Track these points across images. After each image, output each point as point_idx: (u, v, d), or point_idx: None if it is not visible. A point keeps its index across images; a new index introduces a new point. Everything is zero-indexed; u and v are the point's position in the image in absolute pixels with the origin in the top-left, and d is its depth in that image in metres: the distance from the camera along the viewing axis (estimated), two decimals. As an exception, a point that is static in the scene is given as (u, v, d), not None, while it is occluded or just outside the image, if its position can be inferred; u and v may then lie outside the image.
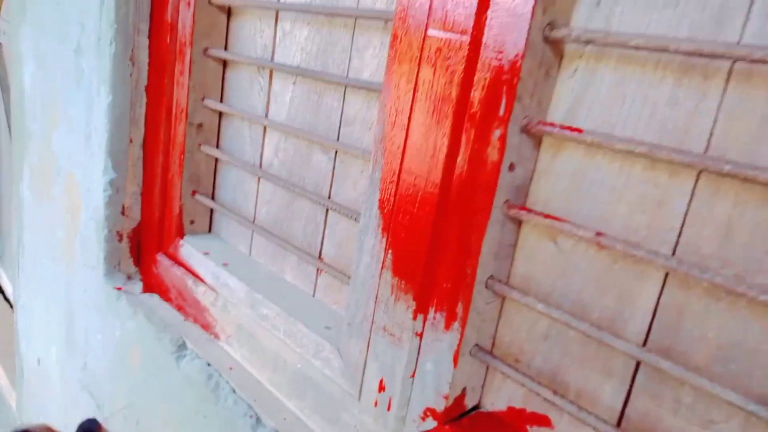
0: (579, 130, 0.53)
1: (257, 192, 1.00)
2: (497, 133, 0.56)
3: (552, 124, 0.55)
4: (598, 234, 0.52)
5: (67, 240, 1.30)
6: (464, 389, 0.65)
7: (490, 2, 0.55)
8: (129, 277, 1.15)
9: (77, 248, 1.26)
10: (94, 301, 1.20)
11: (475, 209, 0.59)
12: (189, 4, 0.99)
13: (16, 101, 1.57)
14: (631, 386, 0.55)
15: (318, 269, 0.89)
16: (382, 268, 0.68)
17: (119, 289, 1.11)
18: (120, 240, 1.13)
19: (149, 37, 1.08)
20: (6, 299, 2.88)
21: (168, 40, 1.04)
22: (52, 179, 1.35)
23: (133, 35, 1.07)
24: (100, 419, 0.78)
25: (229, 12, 1.01)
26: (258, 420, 0.80)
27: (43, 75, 1.36)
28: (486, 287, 0.61)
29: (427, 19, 0.60)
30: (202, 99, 1.02)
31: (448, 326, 0.62)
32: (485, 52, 0.56)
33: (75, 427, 0.83)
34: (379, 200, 0.67)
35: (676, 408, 0.52)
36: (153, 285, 1.12)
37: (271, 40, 0.94)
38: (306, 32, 0.88)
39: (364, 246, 0.70)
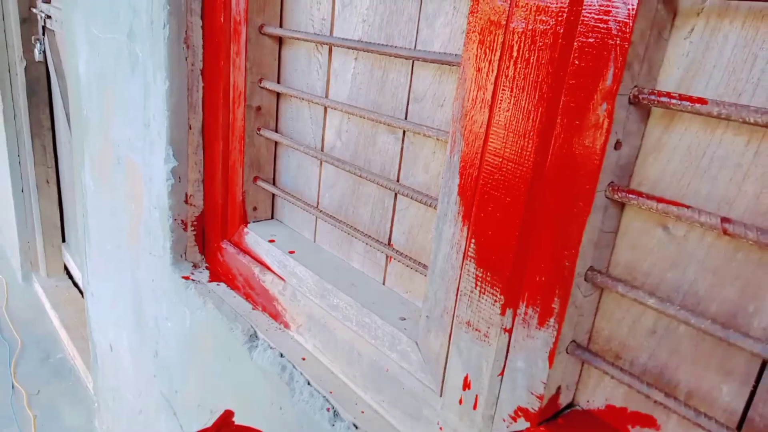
0: (703, 101, 0.46)
1: (320, 176, 0.96)
2: (603, 106, 0.49)
3: (669, 95, 0.48)
4: (725, 220, 0.46)
5: (131, 228, 1.31)
6: (559, 388, 0.60)
7: (592, -43, 0.48)
8: (195, 266, 1.15)
9: (142, 236, 1.26)
10: (162, 289, 1.21)
11: (575, 194, 0.53)
12: (241, -19, 0.94)
13: (72, 89, 1.58)
14: (755, 388, 0.49)
15: (388, 257, 0.85)
16: (464, 258, 0.63)
17: (187, 278, 1.11)
18: (185, 229, 1.13)
19: (202, 17, 1.05)
20: (75, 284, 3.00)
21: (222, 18, 1.00)
22: (112, 167, 1.36)
23: (186, 16, 1.04)
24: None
25: (282, -13, 0.96)
26: (336, 413, 0.78)
27: (98, 61, 1.35)
28: (585, 279, 0.55)
29: (514, -19, 0.53)
30: (260, 81, 0.99)
31: (542, 323, 0.57)
32: (588, 11, 0.49)
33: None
34: (459, 186, 0.62)
35: (820, 416, 0.46)
36: (220, 273, 1.11)
37: (329, 12, 0.89)
38: (368, 1, 0.82)
39: (443, 235, 0.65)
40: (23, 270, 3.08)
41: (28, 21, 2.57)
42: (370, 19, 0.82)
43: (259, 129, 1.01)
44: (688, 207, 0.48)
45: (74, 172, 1.71)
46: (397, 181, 0.82)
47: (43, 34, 2.47)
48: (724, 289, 0.50)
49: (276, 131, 1.03)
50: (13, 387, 2.32)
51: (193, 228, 1.14)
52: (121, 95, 1.23)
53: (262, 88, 0.99)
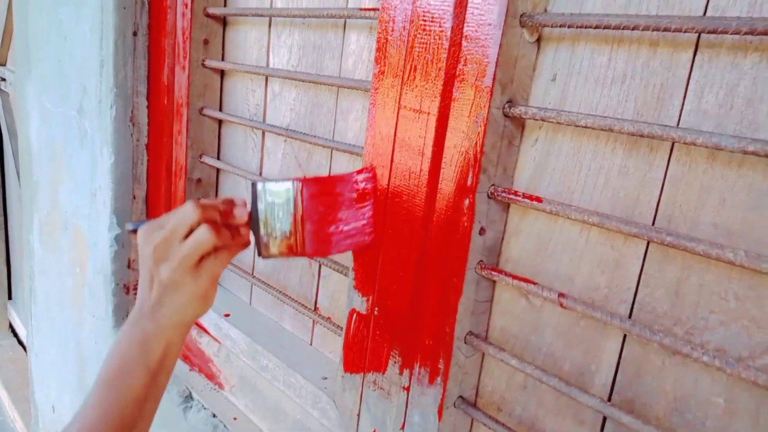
0: (539, 200, 0.57)
1: (254, 244, 1.05)
2: (466, 202, 0.60)
3: (515, 193, 0.59)
4: (561, 295, 0.56)
5: (76, 291, 1.36)
6: (451, 438, 0.69)
7: (454, 84, 0.60)
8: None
9: (86, 299, 1.31)
10: (104, 351, 1.25)
11: (450, 271, 0.63)
12: (184, 67, 1.05)
13: (24, 152, 1.63)
14: (601, 435, 0.59)
15: (314, 320, 0.94)
16: (370, 323, 0.72)
17: (127, 340, 1.16)
18: (127, 292, 1.18)
19: (147, 98, 1.14)
20: (20, 343, 2.93)
21: (165, 101, 1.10)
22: (60, 231, 1.41)
23: (132, 97, 1.13)
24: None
25: (222, 73, 1.07)
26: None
27: (48, 131, 1.42)
28: (465, 342, 0.65)
29: (399, 97, 0.65)
30: (200, 156, 1.08)
31: (432, 381, 0.66)
32: (452, 128, 0.61)
33: None
34: (362, 261, 0.72)
35: (642, 456, 0.56)
36: (159, 334, 1.16)
37: (262, 99, 0.99)
38: (294, 94, 0.93)
39: (353, 302, 0.74)
40: (-35, 329, 3.00)
41: (-19, 82, 2.61)
42: (297, 108, 0.93)
43: (199, 199, 1.09)
44: (535, 283, 0.59)
45: (23, 232, 1.74)
46: (321, 250, 0.91)
47: (-3, 95, 2.51)
48: (572, 351, 0.61)
49: (216, 201, 1.12)
50: (-53, 453, 2.23)
51: (135, 292, 1.19)
52: (70, 165, 1.30)
53: (202, 162, 1.08)
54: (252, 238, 0.63)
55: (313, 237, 0.63)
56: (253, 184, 0.63)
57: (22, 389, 2.45)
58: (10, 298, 3.00)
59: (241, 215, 0.62)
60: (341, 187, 0.65)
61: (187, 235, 0.57)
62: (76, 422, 0.57)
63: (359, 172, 0.68)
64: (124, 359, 0.59)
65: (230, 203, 0.63)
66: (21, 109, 1.61)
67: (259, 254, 0.63)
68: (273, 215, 0.62)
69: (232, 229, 0.61)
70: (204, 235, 0.56)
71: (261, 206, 0.62)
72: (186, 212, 0.58)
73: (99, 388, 0.59)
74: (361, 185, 0.67)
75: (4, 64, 2.47)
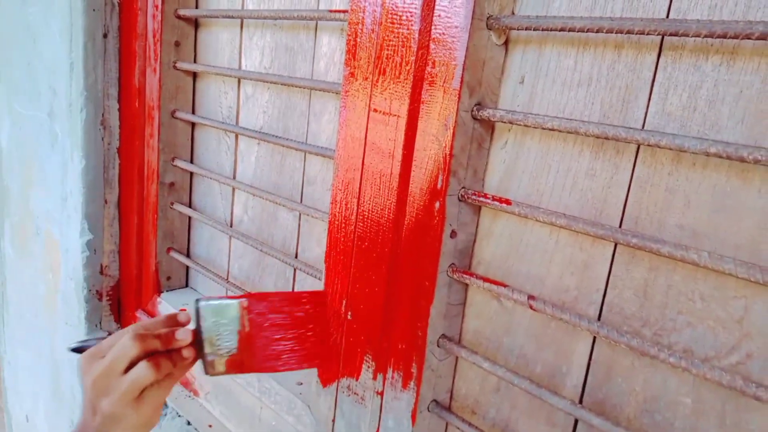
0: (508, 202, 0.57)
1: (229, 248, 1.04)
2: (437, 205, 0.60)
3: (485, 195, 0.59)
4: (531, 297, 0.56)
5: (48, 297, 1.33)
6: (425, 442, 0.68)
7: (422, 87, 0.60)
8: (110, 334, 1.18)
9: (59, 305, 1.28)
10: (77, 358, 1.22)
11: (422, 274, 0.63)
12: (155, 69, 1.03)
13: (-5, 159, 1.60)
14: (573, 437, 0.59)
15: (289, 323, 0.93)
16: (343, 328, 0.71)
17: (100, 347, 1.14)
18: (100, 299, 1.16)
19: (119, 101, 1.12)
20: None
21: (137, 103, 1.08)
22: (31, 237, 1.38)
23: (102, 100, 1.11)
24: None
25: (194, 75, 1.06)
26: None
27: (19, 134, 1.39)
28: (438, 346, 0.65)
29: (369, 99, 0.64)
30: (173, 159, 1.06)
31: (405, 385, 0.66)
32: (422, 131, 0.60)
33: None
34: (336, 265, 0.71)
35: (613, 457, 0.56)
36: (133, 341, 1.14)
37: (235, 101, 0.98)
38: (267, 96, 0.92)
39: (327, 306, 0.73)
40: (-63, 337, 2.92)
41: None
42: (270, 111, 0.92)
43: (172, 203, 1.08)
44: (505, 286, 0.59)
45: (-7, 238, 1.70)
46: (296, 253, 0.90)
47: (-33, 98, 2.45)
48: (543, 353, 0.61)
49: (190, 205, 1.10)
50: None
51: (108, 298, 1.17)
52: (41, 169, 1.27)
53: (174, 166, 1.07)
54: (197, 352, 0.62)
55: (260, 354, 0.63)
56: (197, 302, 0.63)
57: (-4, 398, 2.40)
58: (-16, 304, 2.94)
59: (184, 338, 0.61)
60: (289, 306, 0.65)
61: (127, 369, 0.57)
62: None
63: (307, 293, 0.68)
64: None
65: (172, 322, 0.63)
66: (-9, 112, 1.58)
67: (205, 372, 0.63)
68: (218, 334, 0.62)
69: (175, 352, 0.60)
70: (143, 372, 0.57)
71: (205, 325, 0.61)
72: (125, 346, 0.57)
73: None
74: (307, 307, 0.66)
75: (-26, 66, 2.42)
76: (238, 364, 0.62)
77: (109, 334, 1.10)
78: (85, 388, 0.59)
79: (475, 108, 0.58)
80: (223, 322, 0.62)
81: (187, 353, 0.61)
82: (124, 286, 1.17)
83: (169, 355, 0.60)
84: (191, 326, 0.62)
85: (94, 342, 0.62)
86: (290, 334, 0.65)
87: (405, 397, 0.66)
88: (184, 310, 0.65)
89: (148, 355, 0.58)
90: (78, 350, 0.63)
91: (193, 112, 1.06)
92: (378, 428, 0.69)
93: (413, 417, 0.65)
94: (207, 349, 0.62)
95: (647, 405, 0.53)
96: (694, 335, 0.50)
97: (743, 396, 0.47)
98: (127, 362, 0.57)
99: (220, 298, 0.63)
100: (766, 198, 0.45)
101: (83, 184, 1.11)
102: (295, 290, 0.92)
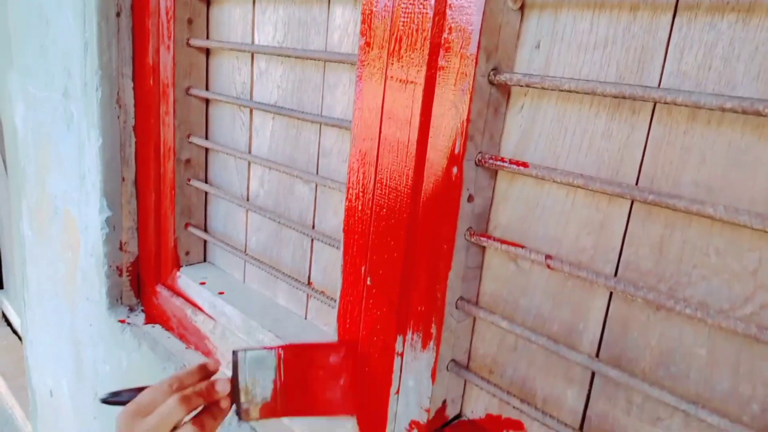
0: (525, 165, 0.58)
1: (246, 222, 1.06)
2: (454, 170, 0.61)
3: (502, 159, 0.60)
4: (548, 257, 0.58)
5: (69, 275, 1.36)
6: (444, 401, 0.70)
7: (439, 53, 0.61)
8: (131, 309, 1.21)
9: (79, 283, 1.31)
10: (99, 333, 1.25)
11: (440, 238, 0.64)
12: (168, 47, 1.04)
13: (9, 141, 1.62)
14: (589, 391, 0.61)
15: (308, 294, 0.95)
16: (363, 293, 0.73)
17: (123, 321, 1.17)
18: (120, 274, 1.19)
19: (133, 79, 1.13)
20: (14, 332, 2.93)
21: (151, 81, 1.09)
22: (50, 217, 1.41)
23: (117, 79, 1.12)
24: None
25: (207, 52, 1.06)
26: (259, 440, 0.86)
27: (34, 118, 1.41)
28: (456, 308, 0.67)
29: (386, 68, 0.65)
30: (188, 136, 1.08)
31: (424, 345, 0.68)
32: (439, 97, 0.62)
33: None
34: (355, 232, 0.73)
35: (628, 408, 0.58)
36: (155, 316, 1.17)
37: (248, 77, 0.99)
38: (281, 70, 0.93)
39: (345, 275, 0.75)
40: (-43, 320, 2.99)
41: (-39, 70, 2.56)
42: (284, 85, 0.93)
43: (189, 180, 1.10)
44: (522, 247, 0.60)
45: (12, 221, 1.73)
46: (313, 224, 0.92)
47: (-22, 83, 2.47)
48: (561, 311, 0.62)
49: (206, 181, 1.12)
50: (-54, 442, 2.25)
51: (128, 273, 1.20)
52: (57, 150, 1.29)
53: (190, 142, 1.08)
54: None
55: (293, 401, 0.67)
56: (234, 354, 0.66)
57: (18, 378, 2.46)
58: (1, 287, 2.99)
59: (223, 390, 0.64)
60: (323, 355, 0.70)
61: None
62: None
63: (341, 344, 0.72)
64: None
65: (204, 372, 0.66)
66: (4, 97, 1.59)
67: (239, 419, 0.66)
68: (254, 383, 0.66)
69: (213, 404, 0.63)
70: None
71: (242, 376, 0.66)
72: (171, 408, 0.59)
73: None
74: (342, 356, 0.70)
75: (-17, 51, 2.43)
76: (272, 410, 0.67)
77: (141, 389, 1.13)
78: None
79: (491, 73, 0.59)
80: (260, 372, 0.66)
81: (225, 404, 0.64)
82: (143, 261, 1.19)
83: (210, 409, 0.63)
84: (225, 374, 0.66)
85: (127, 396, 0.63)
86: (324, 382, 0.69)
87: (425, 357, 0.68)
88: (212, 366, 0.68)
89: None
90: (109, 402, 0.64)
91: (207, 89, 1.07)
92: (399, 388, 0.71)
93: (433, 376, 0.68)
94: (242, 398, 0.66)
95: (663, 358, 0.55)
96: (709, 288, 0.51)
97: (757, 344, 0.49)
98: (172, 425, 0.59)
99: (257, 348, 0.68)
100: (780, 152, 0.46)
101: (101, 162, 1.13)
102: (312, 264, 0.94)
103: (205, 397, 0.63)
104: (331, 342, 0.74)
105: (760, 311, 0.48)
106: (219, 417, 0.64)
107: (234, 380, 0.66)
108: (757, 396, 0.50)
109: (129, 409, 0.60)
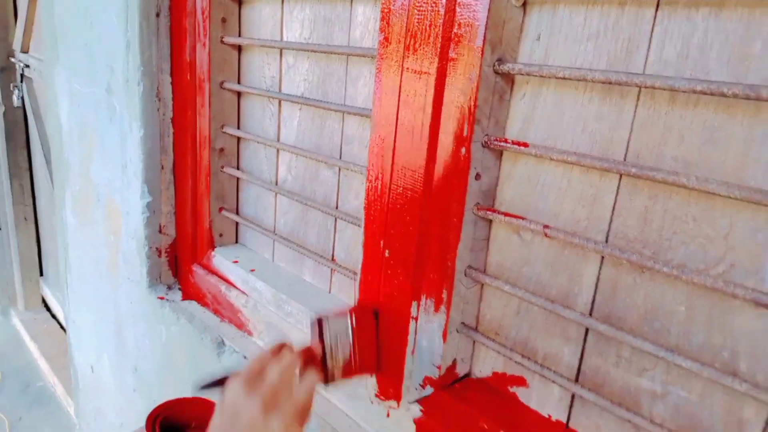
0: (525, 145, 0.66)
1: (275, 205, 1.14)
2: (463, 150, 0.69)
3: (505, 140, 0.68)
4: (545, 227, 0.65)
5: (111, 258, 1.47)
6: (455, 360, 0.78)
7: (450, 47, 0.68)
8: (169, 288, 1.31)
9: (120, 264, 1.42)
10: (140, 310, 1.36)
11: (451, 213, 0.72)
12: (204, 44, 1.13)
13: (54, 135, 1.74)
14: (583, 348, 0.68)
15: (332, 270, 1.03)
16: (381, 266, 0.81)
17: (162, 298, 1.27)
18: (159, 255, 1.29)
19: (171, 75, 1.23)
20: (54, 317, 3.09)
21: (188, 76, 1.19)
22: (93, 205, 1.52)
23: (157, 75, 1.22)
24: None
25: (239, 49, 1.15)
26: (289, 400, 0.94)
27: (78, 112, 1.52)
28: (465, 275, 0.74)
29: (402, 61, 0.73)
30: (222, 127, 1.17)
31: (437, 309, 0.75)
32: (449, 86, 0.69)
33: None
34: (374, 210, 0.81)
35: (618, 362, 0.65)
36: (191, 293, 1.27)
37: (277, 71, 1.08)
38: (307, 65, 1.01)
39: (366, 248, 0.83)
40: (1, 304, 3.16)
41: (6, 69, 2.72)
42: (310, 78, 1.01)
43: (222, 167, 1.19)
44: (523, 218, 0.67)
45: (55, 209, 1.85)
46: (336, 205, 1.00)
47: (22, 82, 2.62)
48: (558, 278, 0.69)
49: (238, 168, 1.21)
50: (-5, 416, 2.41)
51: (166, 254, 1.30)
52: (101, 141, 1.40)
53: (224, 132, 1.17)
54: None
55: (363, 360, 0.74)
56: (318, 320, 0.72)
57: (59, 358, 2.60)
58: (41, 275, 3.15)
59: (318, 352, 0.69)
60: (370, 320, 0.78)
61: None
62: None
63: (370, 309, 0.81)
64: None
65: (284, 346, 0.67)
66: (50, 93, 1.71)
67: (325, 383, 0.71)
68: (336, 346, 0.72)
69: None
70: (314, 377, 0.61)
71: (327, 340, 0.72)
72: (291, 360, 0.62)
73: None
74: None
75: (26, 51, 2.57)
76: (349, 370, 0.73)
77: (168, 288, 1.23)
78: (242, 410, 0.57)
79: (496, 63, 0.67)
80: (340, 335, 0.72)
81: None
82: (180, 243, 1.29)
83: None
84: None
85: (219, 377, 0.65)
86: (374, 342, 0.77)
87: (436, 319, 0.76)
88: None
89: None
90: (207, 386, 0.66)
91: (239, 83, 1.16)
92: (414, 349, 0.79)
93: (444, 336, 0.75)
94: (329, 362, 0.71)
95: (647, 315, 0.62)
96: (687, 252, 0.58)
97: (727, 299, 0.55)
98: (296, 376, 0.60)
99: (332, 313, 0.74)
100: (746, 128, 0.53)
101: (142, 151, 1.22)
102: (336, 242, 1.02)
103: (309, 355, 0.66)
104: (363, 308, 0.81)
105: (730, 270, 0.55)
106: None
107: (322, 344, 0.71)
108: (727, 345, 0.56)
109: (245, 376, 0.60)
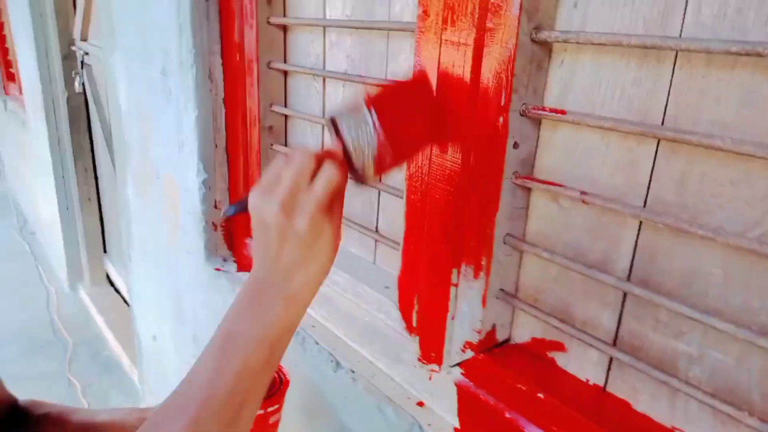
0: (562, 112, 0.67)
1: (321, 180, 1.19)
2: (501, 119, 0.70)
3: (543, 108, 0.69)
4: (583, 193, 0.66)
5: (170, 232, 1.56)
6: (494, 325, 0.81)
7: (487, 17, 0.69)
8: (225, 260, 1.38)
9: (179, 238, 1.50)
10: (198, 281, 1.44)
11: (489, 181, 0.74)
12: (252, 26, 1.17)
13: (114, 118, 1.84)
14: (621, 313, 0.69)
15: (376, 240, 1.07)
16: (423, 235, 0.84)
17: (218, 270, 1.34)
18: (215, 229, 1.36)
19: (222, 56, 1.28)
20: (117, 291, 3.28)
21: (237, 57, 1.24)
22: (152, 182, 1.61)
23: (208, 56, 1.27)
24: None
25: (285, 29, 1.19)
26: (338, 363, 0.99)
27: (135, 94, 1.61)
28: (504, 243, 0.76)
29: (441, 33, 0.75)
30: (270, 105, 1.22)
31: (476, 276, 0.78)
32: (487, 56, 0.70)
33: None
34: (416, 183, 0.83)
35: (655, 326, 0.66)
36: (245, 265, 1.34)
37: (321, 49, 1.11)
38: (349, 42, 1.04)
39: (407, 219, 0.86)
40: (69, 280, 3.38)
41: (68, 57, 2.87)
42: (353, 55, 1.04)
43: (272, 144, 1.24)
44: (561, 186, 0.69)
45: (117, 188, 1.97)
46: (380, 179, 1.03)
47: (82, 68, 2.76)
48: (597, 244, 0.71)
49: (286, 145, 1.26)
50: (68, 380, 2.61)
51: (221, 228, 1.37)
52: (158, 122, 1.47)
53: (272, 111, 1.22)
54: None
55: (396, 149, 0.64)
56: (332, 119, 0.63)
57: (123, 329, 2.78)
58: (105, 252, 3.35)
59: (338, 151, 0.61)
60: (402, 94, 0.67)
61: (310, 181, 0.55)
62: (186, 384, 0.57)
63: (410, 83, 0.70)
64: (247, 329, 0.57)
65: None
66: (109, 77, 1.81)
67: (360, 182, 0.64)
68: (359, 141, 0.62)
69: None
70: (332, 170, 0.55)
71: (348, 138, 0.62)
72: (303, 159, 0.56)
73: (214, 350, 0.57)
74: (416, 90, 0.68)
75: (86, 40, 2.71)
76: (382, 164, 0.63)
77: (224, 260, 1.30)
78: (267, 219, 0.55)
79: (533, 31, 0.68)
80: (361, 129, 0.61)
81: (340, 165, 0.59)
82: (234, 217, 1.36)
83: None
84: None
85: (240, 205, 0.61)
86: (413, 118, 0.66)
87: (476, 285, 0.78)
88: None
89: None
90: (232, 214, 0.63)
91: (285, 62, 1.20)
92: (455, 314, 0.82)
93: (483, 302, 0.78)
94: (355, 160, 0.62)
95: (685, 279, 0.62)
96: (724, 215, 0.58)
97: (765, 261, 0.56)
98: (311, 173, 0.55)
99: (346, 108, 0.63)
100: (786, 89, 0.52)
101: (197, 131, 1.29)
102: (380, 213, 1.06)
103: (329, 155, 0.59)
104: (406, 80, 0.72)
105: (768, 232, 0.55)
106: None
107: (342, 144, 0.61)
108: (765, 307, 0.57)
109: (261, 185, 0.57)
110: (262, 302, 0.57)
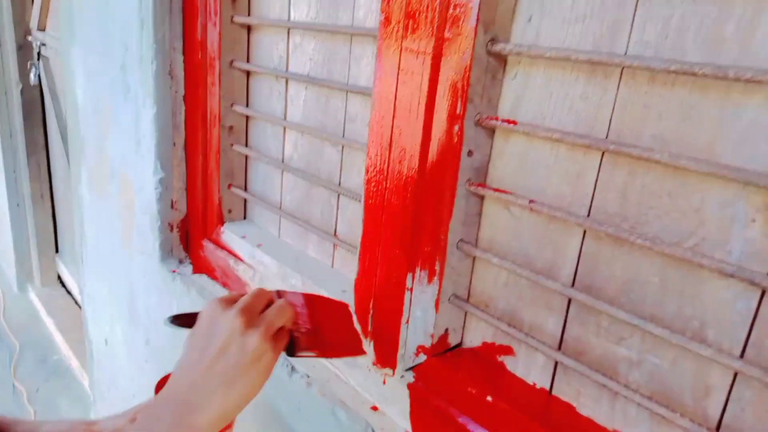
0: (514, 122, 0.69)
1: (282, 182, 1.18)
2: (456, 127, 0.72)
3: (496, 118, 0.71)
4: (531, 201, 0.68)
5: (125, 231, 1.52)
6: (447, 330, 0.82)
7: (445, 27, 0.71)
8: (180, 261, 1.36)
9: (134, 238, 1.47)
10: (152, 283, 1.41)
11: (444, 188, 0.75)
12: (215, 23, 1.17)
13: (71, 112, 1.79)
14: (566, 318, 0.72)
15: (334, 245, 1.07)
16: (379, 239, 0.85)
17: (174, 271, 1.32)
18: (171, 230, 1.34)
19: (183, 53, 1.27)
20: (69, 293, 3.18)
21: (199, 55, 1.23)
22: (107, 180, 1.57)
23: (169, 53, 1.26)
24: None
25: (249, 28, 1.19)
26: (293, 368, 0.99)
27: (93, 89, 1.57)
28: (457, 248, 0.78)
29: (401, 40, 0.76)
30: (231, 105, 1.21)
31: (430, 280, 0.79)
32: (444, 65, 0.72)
33: (153, 387, 1.04)
34: (374, 187, 0.84)
35: (597, 331, 0.68)
36: (201, 267, 1.32)
37: (285, 51, 1.11)
38: (313, 44, 1.04)
39: (365, 223, 0.87)
40: (18, 280, 3.25)
41: (23, 48, 2.78)
42: (315, 58, 1.04)
43: (232, 144, 1.23)
44: (510, 193, 0.71)
45: (71, 185, 1.91)
46: (339, 182, 1.04)
47: (38, 60, 2.67)
48: (544, 251, 0.73)
49: (246, 146, 1.25)
50: (14, 386, 2.50)
51: (178, 229, 1.35)
52: (115, 118, 1.44)
53: (233, 111, 1.21)
54: None
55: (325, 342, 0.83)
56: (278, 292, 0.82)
57: (74, 332, 2.69)
58: (57, 251, 3.24)
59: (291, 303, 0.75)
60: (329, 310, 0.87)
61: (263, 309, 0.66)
62: None
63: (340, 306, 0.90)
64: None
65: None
66: (66, 71, 1.76)
67: (290, 354, 0.74)
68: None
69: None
70: (286, 305, 0.67)
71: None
72: (262, 291, 0.71)
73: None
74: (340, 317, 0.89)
75: (43, 30, 2.63)
76: (312, 345, 0.76)
77: (180, 261, 1.27)
78: (221, 326, 0.61)
79: (489, 43, 0.70)
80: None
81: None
82: (191, 218, 1.34)
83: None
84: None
85: (189, 315, 0.70)
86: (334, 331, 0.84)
87: (430, 290, 0.79)
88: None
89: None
90: (176, 323, 0.72)
91: (248, 62, 1.20)
92: (408, 318, 0.83)
93: (436, 306, 0.79)
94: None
95: (625, 286, 0.65)
96: (661, 225, 0.61)
97: (698, 270, 0.59)
98: (267, 300, 0.66)
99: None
100: (719, 107, 0.55)
101: (155, 128, 1.27)
102: (338, 217, 1.06)
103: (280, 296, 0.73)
104: (339, 301, 0.90)
105: (701, 243, 0.58)
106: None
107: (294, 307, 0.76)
108: (697, 314, 0.59)
109: (219, 298, 0.65)
110: (162, 418, 0.58)
